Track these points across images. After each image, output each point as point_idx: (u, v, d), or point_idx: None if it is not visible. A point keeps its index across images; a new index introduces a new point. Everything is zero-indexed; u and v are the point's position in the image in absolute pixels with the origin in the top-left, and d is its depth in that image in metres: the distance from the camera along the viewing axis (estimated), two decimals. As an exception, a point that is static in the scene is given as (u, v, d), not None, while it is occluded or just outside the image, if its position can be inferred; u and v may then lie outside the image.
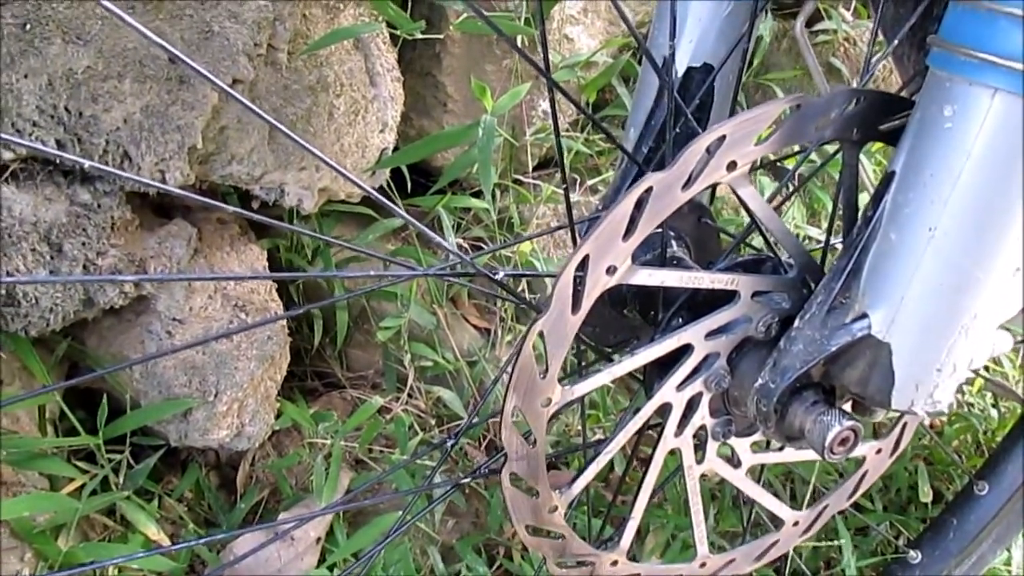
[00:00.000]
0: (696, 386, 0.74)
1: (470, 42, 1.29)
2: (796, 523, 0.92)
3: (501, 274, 0.68)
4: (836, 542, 1.23)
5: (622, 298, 0.86)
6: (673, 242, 0.87)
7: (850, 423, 0.68)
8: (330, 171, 1.01)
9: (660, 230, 0.88)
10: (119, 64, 0.81)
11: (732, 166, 0.64)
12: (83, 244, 0.86)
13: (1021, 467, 1.22)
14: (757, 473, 0.97)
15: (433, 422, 1.31)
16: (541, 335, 0.64)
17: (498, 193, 1.35)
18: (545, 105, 1.33)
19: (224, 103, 0.86)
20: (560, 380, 0.68)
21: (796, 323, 0.70)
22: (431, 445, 1.25)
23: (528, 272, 1.22)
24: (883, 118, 0.69)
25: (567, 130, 1.42)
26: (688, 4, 0.87)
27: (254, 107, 0.52)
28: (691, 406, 0.75)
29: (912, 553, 1.22)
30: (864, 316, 0.67)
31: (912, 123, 0.64)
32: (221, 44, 0.84)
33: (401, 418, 1.24)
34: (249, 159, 0.92)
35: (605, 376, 0.70)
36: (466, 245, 1.33)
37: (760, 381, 0.71)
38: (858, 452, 0.96)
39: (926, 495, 1.32)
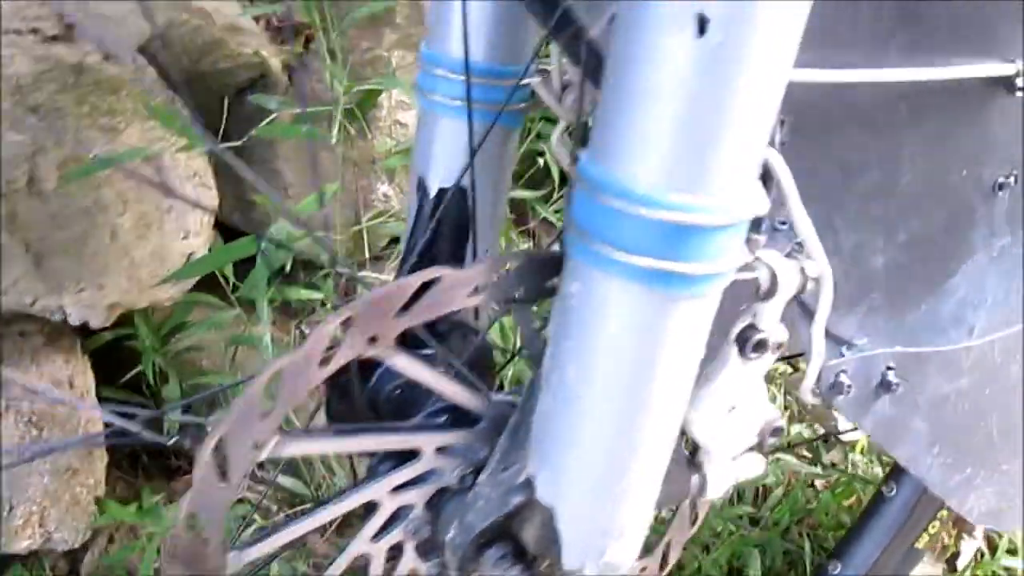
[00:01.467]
0: (395, 535, 0.74)
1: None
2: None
3: (173, 440, 0.69)
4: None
5: (374, 403, 0.86)
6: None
7: (529, 582, 0.68)
8: (120, 285, 1.02)
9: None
10: None
11: (374, 340, 0.64)
12: None
13: (873, 545, 1.23)
14: None
15: (275, 507, 1.32)
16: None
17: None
18: (384, 188, 1.33)
19: (-27, 240, 0.88)
20: (233, 544, 0.68)
21: (479, 478, 0.70)
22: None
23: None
24: (543, 277, 0.69)
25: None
26: (435, 127, 0.87)
27: None
28: (396, 552, 0.75)
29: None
30: (531, 479, 0.67)
31: (557, 292, 0.64)
32: (-34, 184, 0.85)
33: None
34: (15, 289, 0.93)
35: (282, 537, 0.70)
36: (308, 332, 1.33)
37: (451, 534, 0.71)
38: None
39: None
